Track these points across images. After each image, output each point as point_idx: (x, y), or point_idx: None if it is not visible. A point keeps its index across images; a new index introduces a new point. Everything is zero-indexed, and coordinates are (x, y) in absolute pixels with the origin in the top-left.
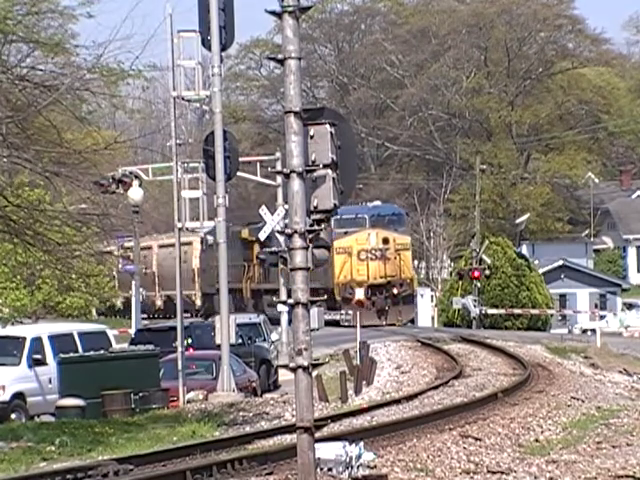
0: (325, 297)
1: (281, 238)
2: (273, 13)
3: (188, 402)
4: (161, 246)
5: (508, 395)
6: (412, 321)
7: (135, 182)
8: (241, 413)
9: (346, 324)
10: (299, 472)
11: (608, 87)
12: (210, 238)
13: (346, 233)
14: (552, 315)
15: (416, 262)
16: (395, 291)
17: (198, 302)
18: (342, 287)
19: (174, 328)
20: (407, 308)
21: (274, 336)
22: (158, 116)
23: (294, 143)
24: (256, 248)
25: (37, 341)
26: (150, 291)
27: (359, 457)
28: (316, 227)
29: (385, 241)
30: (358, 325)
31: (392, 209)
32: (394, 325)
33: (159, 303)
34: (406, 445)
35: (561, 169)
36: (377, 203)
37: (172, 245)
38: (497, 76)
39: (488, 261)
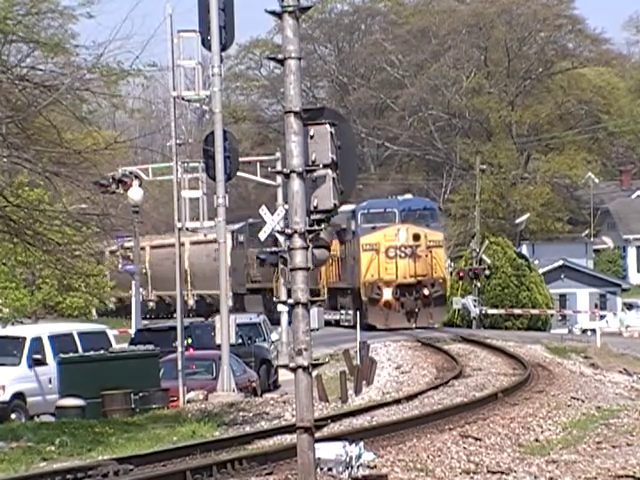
0: (324, 298)
1: (281, 238)
2: (273, 13)
3: (188, 402)
4: (193, 243)
5: (508, 395)
6: None
7: (135, 182)
8: (241, 413)
9: (346, 324)
10: (299, 472)
11: (608, 87)
12: (240, 236)
13: (374, 228)
14: (552, 315)
15: None
16: (426, 292)
17: (229, 302)
18: (369, 287)
19: (174, 328)
20: (439, 310)
21: (274, 336)
22: (158, 116)
23: (294, 143)
24: None
25: (37, 341)
26: (182, 290)
27: (359, 457)
28: (316, 227)
29: (416, 237)
30: (358, 325)
31: (424, 202)
32: (425, 328)
33: (191, 302)
34: (406, 445)
35: (561, 169)
36: (408, 196)
37: (204, 242)
38: (497, 76)
39: (488, 261)
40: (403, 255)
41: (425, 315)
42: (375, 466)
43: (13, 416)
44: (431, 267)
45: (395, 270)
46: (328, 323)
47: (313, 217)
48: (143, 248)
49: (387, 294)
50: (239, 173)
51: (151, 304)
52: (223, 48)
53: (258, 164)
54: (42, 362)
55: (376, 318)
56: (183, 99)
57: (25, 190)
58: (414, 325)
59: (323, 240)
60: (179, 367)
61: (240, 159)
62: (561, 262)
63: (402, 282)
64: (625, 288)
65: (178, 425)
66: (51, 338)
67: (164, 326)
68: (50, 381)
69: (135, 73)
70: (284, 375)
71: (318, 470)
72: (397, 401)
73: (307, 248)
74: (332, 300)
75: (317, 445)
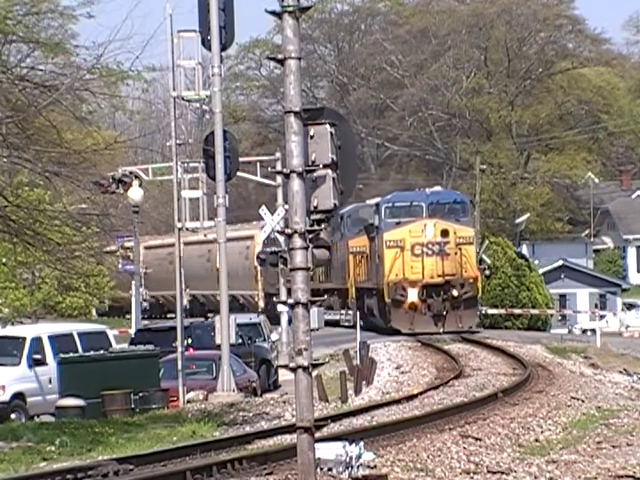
0: (325, 297)
1: (281, 238)
2: (273, 13)
3: (188, 402)
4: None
5: (508, 395)
6: None
7: (135, 182)
8: (241, 413)
9: (346, 324)
10: (299, 472)
11: (608, 87)
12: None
13: (399, 223)
14: (552, 315)
15: None
16: (455, 293)
17: (261, 303)
18: (392, 287)
19: (174, 328)
20: (469, 313)
21: (274, 336)
22: (158, 116)
23: (294, 143)
24: None
25: (37, 341)
26: (214, 289)
27: (359, 457)
28: (316, 227)
29: (444, 233)
30: (358, 325)
31: (454, 195)
32: (453, 333)
33: None
34: (406, 445)
35: (561, 169)
36: (437, 188)
37: (236, 239)
38: (497, 76)
39: (488, 261)
40: (430, 253)
41: (454, 318)
42: (375, 466)
43: (13, 416)
44: (461, 266)
45: (421, 269)
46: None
47: (313, 217)
48: (174, 245)
49: (412, 295)
50: (239, 173)
51: (184, 302)
52: (223, 48)
53: (258, 164)
54: (42, 362)
55: (400, 321)
56: (183, 99)
57: (25, 190)
58: (442, 329)
59: (323, 240)
60: (179, 367)
61: (240, 159)
62: (561, 262)
63: (429, 282)
64: (625, 288)
65: (178, 425)
66: (51, 338)
67: (164, 326)
68: (50, 381)
69: (135, 76)
70: (284, 375)
71: (318, 470)
72: (397, 401)
73: (307, 248)
74: (360, 301)
75: (317, 445)
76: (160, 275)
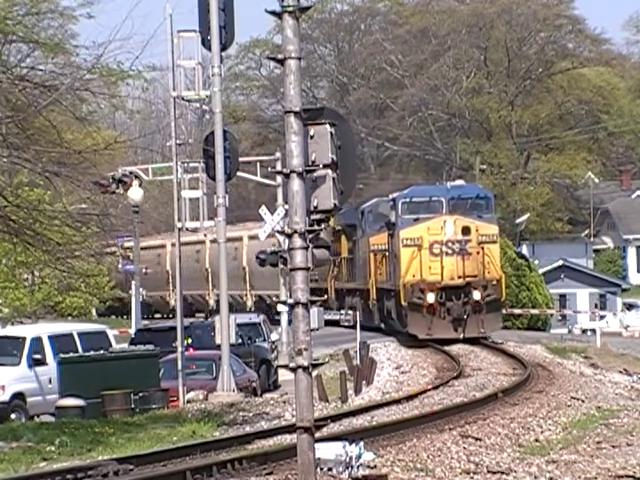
0: (325, 297)
1: (281, 238)
2: (273, 13)
3: (188, 402)
4: (252, 237)
5: (508, 395)
6: None
7: (135, 182)
8: (241, 413)
9: (346, 324)
10: (299, 472)
11: (608, 87)
12: None
13: (417, 220)
14: (552, 315)
15: None
16: (476, 295)
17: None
18: (409, 289)
19: (174, 328)
20: (492, 317)
21: (274, 336)
22: (158, 116)
23: (294, 143)
24: (344, 241)
25: (37, 341)
26: (241, 290)
27: (359, 457)
28: (316, 227)
29: (465, 231)
30: (358, 325)
31: (476, 190)
32: (475, 339)
33: (249, 304)
34: (406, 445)
35: (561, 169)
36: (459, 182)
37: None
38: (497, 76)
39: None
40: (450, 252)
41: (475, 323)
42: (375, 466)
43: (13, 416)
44: (483, 266)
45: (440, 270)
46: (378, 329)
47: (313, 217)
48: (203, 242)
49: (430, 298)
50: (239, 173)
51: (212, 303)
52: (223, 48)
53: (258, 164)
54: (42, 362)
55: (417, 326)
56: (183, 99)
57: (25, 190)
58: (462, 335)
59: (323, 240)
60: (179, 367)
61: (240, 159)
62: (561, 262)
63: (448, 284)
64: (625, 288)
65: (178, 425)
66: (51, 338)
67: (164, 326)
68: (50, 381)
69: (135, 75)
70: (284, 375)
71: (318, 470)
72: (397, 401)
73: (307, 248)
74: (380, 302)
75: (317, 445)
76: (187, 274)
